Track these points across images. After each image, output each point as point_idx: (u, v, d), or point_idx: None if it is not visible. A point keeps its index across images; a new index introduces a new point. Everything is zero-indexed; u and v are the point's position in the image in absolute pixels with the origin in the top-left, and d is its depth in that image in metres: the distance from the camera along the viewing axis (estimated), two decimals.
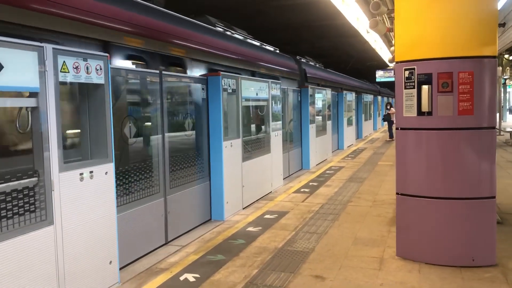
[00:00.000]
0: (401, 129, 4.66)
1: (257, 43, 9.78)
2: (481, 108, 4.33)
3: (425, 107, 4.44)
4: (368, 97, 22.85)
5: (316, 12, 14.89)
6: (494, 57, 4.33)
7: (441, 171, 4.45)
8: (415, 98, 4.49)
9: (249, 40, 9.33)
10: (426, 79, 4.43)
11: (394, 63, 4.85)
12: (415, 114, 4.50)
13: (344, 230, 5.69)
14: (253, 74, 8.76)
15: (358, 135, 20.29)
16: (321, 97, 12.89)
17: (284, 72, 10.95)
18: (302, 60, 13.55)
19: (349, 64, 31.93)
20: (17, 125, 3.35)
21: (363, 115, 20.76)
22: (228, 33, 8.30)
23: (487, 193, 4.41)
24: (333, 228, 5.81)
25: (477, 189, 4.41)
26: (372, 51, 20.04)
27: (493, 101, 4.37)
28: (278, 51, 11.16)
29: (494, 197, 4.42)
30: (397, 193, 4.73)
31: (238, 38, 8.70)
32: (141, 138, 5.19)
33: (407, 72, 4.52)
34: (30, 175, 3.33)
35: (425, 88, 4.42)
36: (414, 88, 4.49)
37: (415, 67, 4.48)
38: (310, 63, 14.91)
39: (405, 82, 4.55)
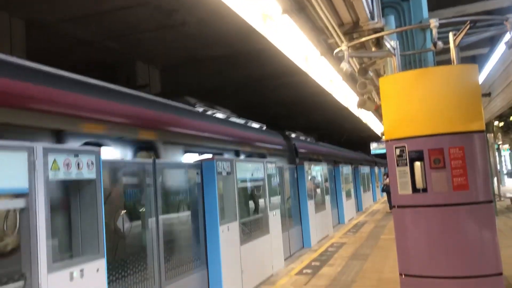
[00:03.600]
0: (398, 207, 4.59)
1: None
2: (476, 182, 4.30)
3: (419, 183, 4.42)
4: (365, 169, 22.89)
5: (307, 90, 15.37)
6: (482, 131, 4.38)
7: (443, 249, 4.32)
8: (408, 175, 4.47)
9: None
10: (418, 156, 4.44)
11: (384, 141, 4.89)
12: (410, 192, 4.46)
13: None
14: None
15: (358, 208, 20.05)
16: (317, 172, 12.90)
17: None
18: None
19: (343, 136, 32.47)
20: (5, 227, 3.28)
21: (361, 187, 20.67)
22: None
23: (493, 270, 4.26)
24: None
25: (482, 267, 4.26)
26: (363, 123, 20.42)
27: (486, 175, 4.36)
28: None
29: (501, 274, 4.26)
30: (400, 274, 4.57)
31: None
32: (135, 230, 5.09)
33: (398, 150, 4.55)
34: (17, 279, 3.20)
35: (417, 164, 4.42)
36: (406, 165, 4.49)
37: (406, 144, 4.51)
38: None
39: (397, 160, 4.55)
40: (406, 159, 4.50)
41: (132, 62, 11.85)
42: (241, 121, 10.21)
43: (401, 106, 4.58)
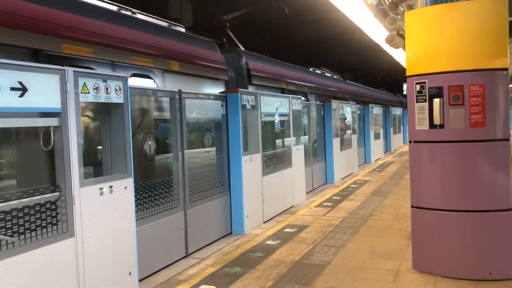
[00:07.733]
0: (414, 142, 4.69)
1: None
2: (494, 120, 4.32)
3: (437, 120, 4.47)
4: (397, 110, 22.62)
5: (339, 27, 15.02)
6: (505, 69, 4.33)
7: (457, 184, 4.44)
8: (426, 112, 4.52)
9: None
10: (437, 92, 4.46)
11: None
12: (427, 127, 4.53)
13: (362, 244, 5.71)
14: None
15: (387, 149, 20.07)
16: (345, 111, 12.91)
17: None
18: None
19: (378, 77, 31.78)
20: (41, 143, 3.59)
21: (391, 129, 20.55)
22: None
23: (504, 205, 4.38)
24: (352, 241, 5.83)
25: (494, 201, 4.38)
26: (398, 64, 19.92)
27: (506, 113, 4.36)
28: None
29: (511, 209, 4.38)
30: (412, 206, 4.75)
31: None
32: (161, 155, 5.40)
33: (418, 86, 4.57)
34: (53, 190, 3.56)
35: (436, 101, 4.45)
36: (425, 101, 4.53)
37: (426, 80, 4.52)
38: None
39: (416, 96, 4.59)
40: (426, 95, 4.52)
41: None
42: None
43: (425, 41, 4.54)
